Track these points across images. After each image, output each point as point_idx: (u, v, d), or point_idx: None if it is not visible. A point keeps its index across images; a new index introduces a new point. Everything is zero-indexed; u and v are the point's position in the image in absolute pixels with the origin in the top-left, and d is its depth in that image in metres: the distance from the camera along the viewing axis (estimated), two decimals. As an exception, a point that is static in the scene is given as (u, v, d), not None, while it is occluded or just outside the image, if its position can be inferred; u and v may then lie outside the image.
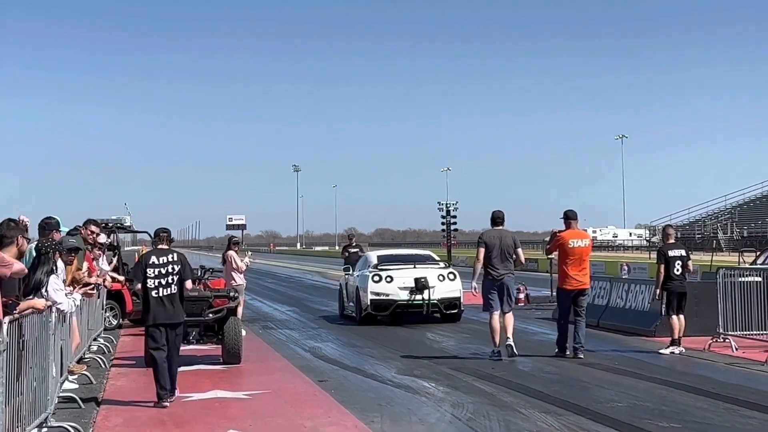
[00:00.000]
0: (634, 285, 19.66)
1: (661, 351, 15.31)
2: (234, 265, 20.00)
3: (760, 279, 15.29)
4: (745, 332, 15.22)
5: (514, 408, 10.55)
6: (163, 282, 11.32)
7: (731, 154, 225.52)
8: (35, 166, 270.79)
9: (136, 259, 30.38)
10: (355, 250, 29.28)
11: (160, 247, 11.61)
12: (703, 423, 9.54)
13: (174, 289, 11.37)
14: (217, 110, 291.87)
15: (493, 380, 12.64)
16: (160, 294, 11.31)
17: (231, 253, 20.13)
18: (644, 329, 17.88)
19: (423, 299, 21.00)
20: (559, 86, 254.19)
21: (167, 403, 11.07)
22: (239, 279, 19.79)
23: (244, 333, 15.50)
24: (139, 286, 11.59)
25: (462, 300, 21.29)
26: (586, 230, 15.85)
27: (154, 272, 11.33)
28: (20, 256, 8.86)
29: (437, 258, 24.34)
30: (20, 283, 9.17)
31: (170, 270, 11.36)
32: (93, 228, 15.06)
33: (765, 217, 79.38)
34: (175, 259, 11.46)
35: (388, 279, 21.27)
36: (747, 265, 20.93)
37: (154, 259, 11.42)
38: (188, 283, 11.63)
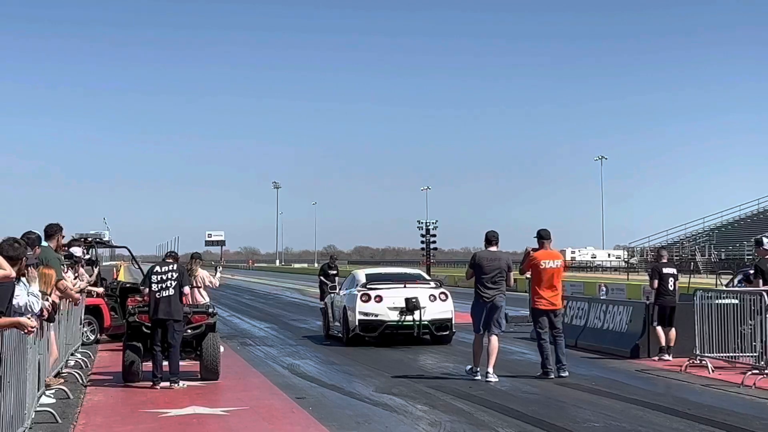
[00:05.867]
0: (612, 306, 19.73)
1: (662, 358, 16.69)
2: (206, 282, 19.29)
3: (736, 301, 15.39)
4: (721, 354, 15.32)
5: (491, 427, 10.58)
6: (164, 286, 14.09)
7: (710, 178, 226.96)
8: (11, 181, 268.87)
9: (114, 275, 30.44)
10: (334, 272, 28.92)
11: (165, 261, 14.64)
12: (678, 444, 9.60)
13: (172, 291, 14.07)
14: (196, 126, 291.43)
15: (470, 399, 12.67)
16: (162, 295, 14.04)
17: (201, 271, 19.15)
18: (622, 350, 17.95)
19: (413, 320, 20.20)
20: (540, 106, 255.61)
21: (158, 387, 13.72)
22: (207, 297, 19.18)
23: (222, 349, 15.48)
24: (146, 290, 14.28)
25: (454, 321, 20.62)
26: (557, 250, 15.81)
27: (157, 278, 14.14)
28: (21, 273, 8.87)
29: (428, 277, 23.62)
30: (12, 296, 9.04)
31: (170, 277, 14.15)
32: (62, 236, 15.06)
33: (742, 239, 79.87)
34: (175, 268, 14.35)
35: (378, 299, 20.43)
36: (724, 287, 21.03)
37: (157, 268, 14.40)
38: (186, 289, 14.43)
